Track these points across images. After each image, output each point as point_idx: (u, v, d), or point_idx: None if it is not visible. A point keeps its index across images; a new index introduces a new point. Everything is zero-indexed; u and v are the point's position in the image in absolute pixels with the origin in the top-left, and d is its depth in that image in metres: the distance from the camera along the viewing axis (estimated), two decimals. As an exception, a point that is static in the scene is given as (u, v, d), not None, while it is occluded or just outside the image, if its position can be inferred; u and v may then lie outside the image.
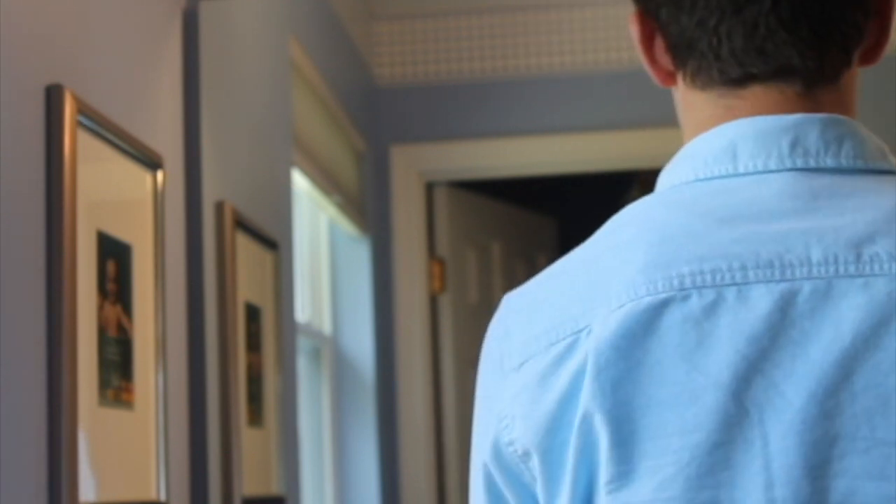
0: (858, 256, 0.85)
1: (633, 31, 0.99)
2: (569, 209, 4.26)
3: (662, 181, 0.96)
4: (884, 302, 0.83)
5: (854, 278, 0.84)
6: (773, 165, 0.90)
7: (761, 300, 0.85)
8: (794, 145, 0.90)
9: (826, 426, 0.82)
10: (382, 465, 3.41)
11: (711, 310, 0.85)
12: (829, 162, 0.90)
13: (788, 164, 0.90)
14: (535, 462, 0.89)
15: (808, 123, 0.91)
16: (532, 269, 1.01)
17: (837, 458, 0.82)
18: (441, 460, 3.59)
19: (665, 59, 0.98)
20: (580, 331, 0.88)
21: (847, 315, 0.83)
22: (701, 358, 0.84)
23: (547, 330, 0.90)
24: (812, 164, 0.90)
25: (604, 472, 0.85)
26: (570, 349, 0.88)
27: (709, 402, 0.84)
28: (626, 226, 0.92)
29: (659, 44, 0.97)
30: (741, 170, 0.91)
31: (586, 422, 0.86)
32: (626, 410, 0.85)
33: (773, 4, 0.91)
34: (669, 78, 0.99)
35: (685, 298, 0.86)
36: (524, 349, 0.91)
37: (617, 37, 3.56)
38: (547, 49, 3.59)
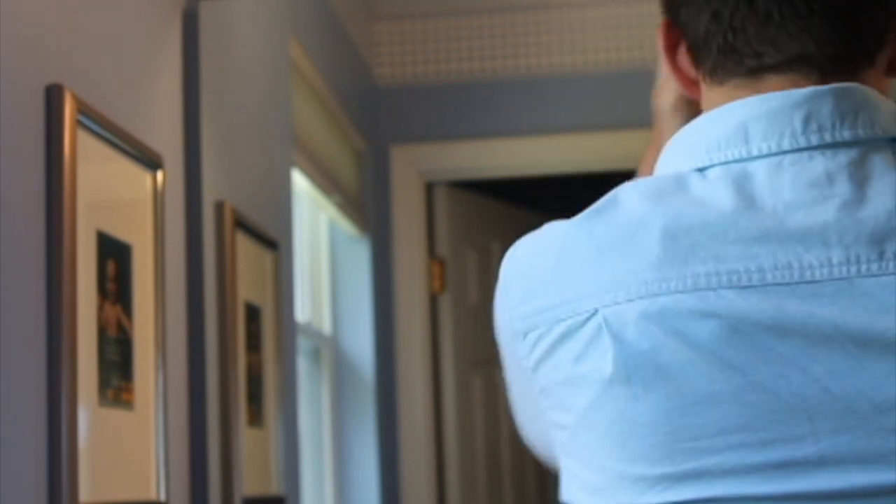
0: (881, 254, 0.83)
1: (659, 41, 0.98)
2: (569, 209, 4.25)
3: (674, 158, 0.94)
4: None
5: (878, 277, 0.83)
6: (786, 145, 0.88)
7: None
8: (807, 121, 0.88)
9: None
10: (382, 465, 3.41)
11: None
12: (846, 135, 0.88)
13: (803, 143, 0.88)
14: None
15: (820, 96, 0.89)
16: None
17: None
18: (441, 460, 3.59)
19: (687, 65, 0.98)
20: (588, 314, 0.88)
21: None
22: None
23: (552, 305, 0.90)
24: (828, 138, 0.88)
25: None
26: (578, 329, 0.89)
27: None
28: (639, 210, 0.90)
29: (682, 50, 0.97)
30: (755, 152, 0.89)
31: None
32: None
33: None
34: (693, 85, 0.98)
35: (701, 299, 0.85)
36: (527, 320, 0.92)
37: (617, 37, 3.55)
38: (547, 49, 3.59)
